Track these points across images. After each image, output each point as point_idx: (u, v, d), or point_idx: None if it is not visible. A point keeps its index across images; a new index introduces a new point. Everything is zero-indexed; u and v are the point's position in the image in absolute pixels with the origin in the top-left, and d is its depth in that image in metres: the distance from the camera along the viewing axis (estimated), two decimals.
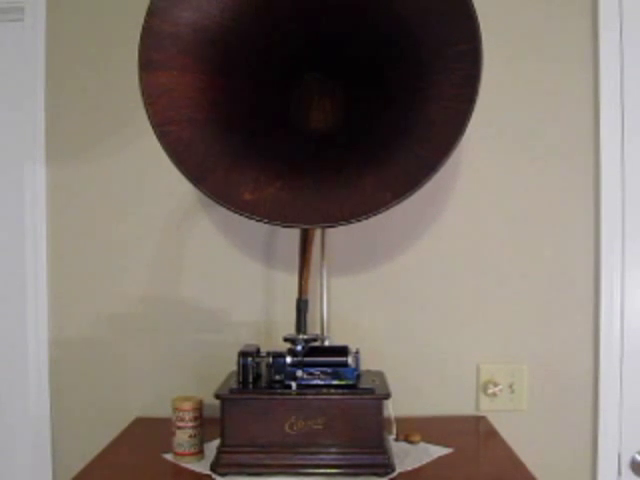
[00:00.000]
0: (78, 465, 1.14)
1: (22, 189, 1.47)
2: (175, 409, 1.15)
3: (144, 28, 1.03)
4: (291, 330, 1.20)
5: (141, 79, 1.03)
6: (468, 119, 1.00)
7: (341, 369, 1.11)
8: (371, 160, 1.07)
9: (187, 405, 1.15)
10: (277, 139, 1.16)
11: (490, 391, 1.43)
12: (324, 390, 1.10)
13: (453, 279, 1.45)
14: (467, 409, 1.45)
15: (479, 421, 1.41)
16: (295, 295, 1.20)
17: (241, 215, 1.01)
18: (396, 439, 1.22)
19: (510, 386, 1.43)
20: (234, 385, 1.12)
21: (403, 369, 1.41)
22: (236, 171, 1.05)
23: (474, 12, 1.00)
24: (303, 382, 1.10)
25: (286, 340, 1.16)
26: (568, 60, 1.43)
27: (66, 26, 1.46)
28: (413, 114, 1.06)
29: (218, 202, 1.01)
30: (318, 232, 1.32)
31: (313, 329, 1.32)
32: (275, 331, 1.43)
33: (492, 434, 1.33)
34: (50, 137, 1.46)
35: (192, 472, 1.11)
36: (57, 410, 1.47)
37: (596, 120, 1.42)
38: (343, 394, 1.09)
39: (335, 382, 1.10)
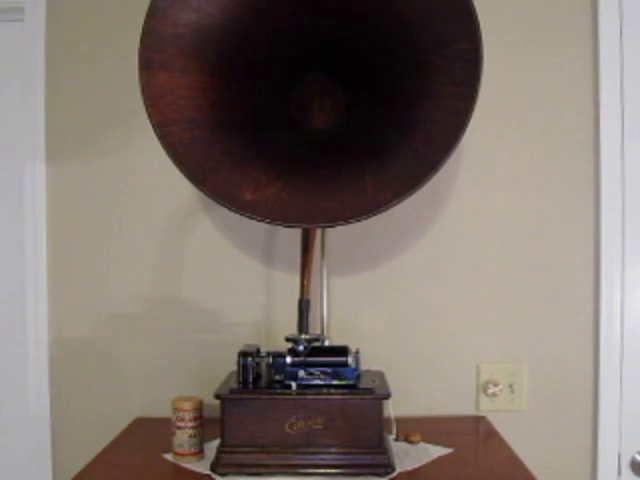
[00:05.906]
0: (78, 465, 1.14)
1: (22, 189, 1.47)
2: (175, 409, 1.15)
3: (144, 29, 1.03)
4: (291, 330, 1.20)
5: (142, 80, 1.03)
6: (469, 118, 1.00)
7: (341, 369, 1.11)
8: (372, 159, 1.07)
9: (187, 405, 1.15)
10: (278, 139, 1.16)
11: (490, 391, 1.43)
12: (324, 390, 1.10)
13: (453, 279, 1.45)
14: (467, 409, 1.45)
15: (479, 421, 1.41)
16: (295, 295, 1.20)
17: (242, 215, 1.01)
18: (396, 439, 1.22)
19: (510, 386, 1.43)
20: (234, 385, 1.12)
21: (403, 369, 1.41)
22: (237, 171, 1.05)
23: (474, 11, 1.00)
24: (303, 382, 1.10)
25: (288, 340, 1.16)
26: (568, 60, 1.43)
27: (66, 26, 1.46)
28: (413, 113, 1.06)
29: (219, 202, 1.01)
30: (318, 232, 1.32)
31: (313, 329, 1.32)
32: (275, 331, 1.43)
33: (492, 434, 1.33)
34: (50, 137, 1.46)
35: (192, 472, 1.11)
36: (57, 410, 1.47)
37: (596, 120, 1.42)
38: (343, 394, 1.09)
39: (335, 382, 1.10)
